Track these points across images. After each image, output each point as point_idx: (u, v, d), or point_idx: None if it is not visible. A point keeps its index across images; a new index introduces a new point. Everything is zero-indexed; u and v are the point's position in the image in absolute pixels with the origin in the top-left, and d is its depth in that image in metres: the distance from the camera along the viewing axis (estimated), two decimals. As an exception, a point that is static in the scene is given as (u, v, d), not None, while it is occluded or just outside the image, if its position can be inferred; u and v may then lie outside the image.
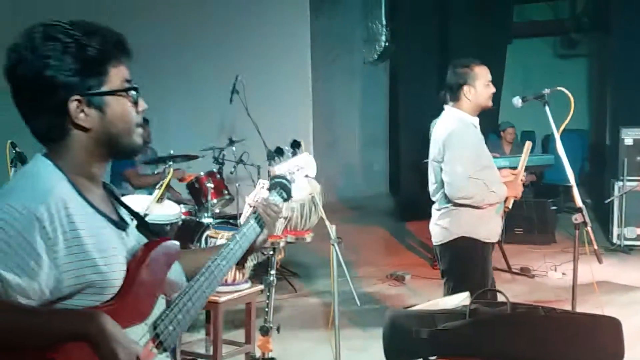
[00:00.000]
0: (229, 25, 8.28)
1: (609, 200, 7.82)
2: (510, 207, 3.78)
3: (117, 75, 1.54)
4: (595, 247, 3.49)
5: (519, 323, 2.76)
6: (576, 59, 11.87)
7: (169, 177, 4.69)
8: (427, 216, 3.99)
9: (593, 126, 11.50)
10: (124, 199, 1.83)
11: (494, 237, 3.90)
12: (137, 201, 4.59)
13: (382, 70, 11.97)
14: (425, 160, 4.38)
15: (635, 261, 7.28)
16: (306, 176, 2.22)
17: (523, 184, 3.96)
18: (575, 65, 11.82)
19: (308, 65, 9.06)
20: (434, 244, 3.94)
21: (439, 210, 3.85)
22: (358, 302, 5.48)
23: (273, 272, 3.81)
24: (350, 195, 11.37)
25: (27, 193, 1.42)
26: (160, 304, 1.58)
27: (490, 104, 3.86)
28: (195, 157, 5.96)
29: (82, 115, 1.50)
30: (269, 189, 2.07)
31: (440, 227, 3.84)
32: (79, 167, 1.54)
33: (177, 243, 1.64)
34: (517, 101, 3.98)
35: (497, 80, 3.99)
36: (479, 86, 3.78)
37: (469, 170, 3.66)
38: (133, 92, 1.57)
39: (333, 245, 3.73)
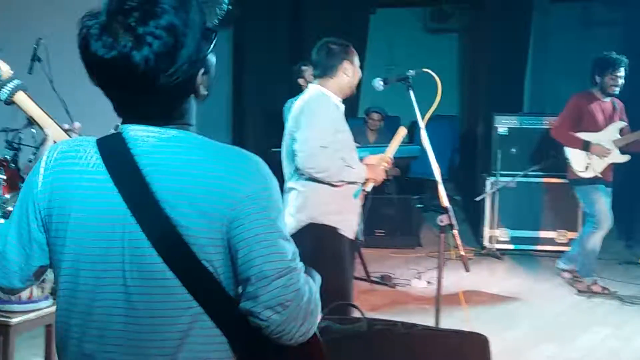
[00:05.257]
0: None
1: (479, 197, 8.05)
2: (368, 190, 3.93)
3: None
4: (462, 253, 3.68)
5: (375, 342, 2.86)
6: (447, 34, 12.29)
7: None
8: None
9: (465, 112, 12.01)
10: None
11: (348, 231, 3.98)
12: None
13: (223, 39, 11.90)
14: (275, 149, 4.43)
15: (508, 267, 7.65)
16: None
17: (387, 177, 4.12)
18: (447, 41, 12.24)
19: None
20: None
21: (288, 192, 3.94)
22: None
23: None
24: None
25: None
26: None
27: (354, 90, 4.12)
28: (-19, 141, 5.67)
29: None
30: None
31: (288, 215, 3.88)
32: None
33: None
34: (377, 83, 4.12)
35: (358, 55, 4.14)
36: (356, 66, 4.07)
37: (324, 140, 3.79)
38: None
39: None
